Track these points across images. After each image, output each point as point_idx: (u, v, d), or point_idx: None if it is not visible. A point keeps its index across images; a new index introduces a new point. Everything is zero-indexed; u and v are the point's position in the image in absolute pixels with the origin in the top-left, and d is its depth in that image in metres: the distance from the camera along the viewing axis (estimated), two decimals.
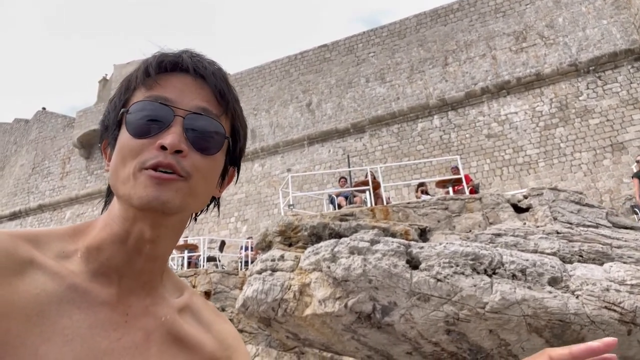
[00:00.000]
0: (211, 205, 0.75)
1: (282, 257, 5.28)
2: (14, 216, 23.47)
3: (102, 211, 0.70)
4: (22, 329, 0.54)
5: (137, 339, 0.62)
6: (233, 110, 0.70)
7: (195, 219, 0.73)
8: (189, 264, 11.18)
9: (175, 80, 0.65)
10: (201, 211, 0.72)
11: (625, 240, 5.02)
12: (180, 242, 13.06)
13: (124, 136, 0.63)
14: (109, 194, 0.70)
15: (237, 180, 0.77)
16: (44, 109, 26.81)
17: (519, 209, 5.89)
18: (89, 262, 0.62)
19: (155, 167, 0.60)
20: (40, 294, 0.56)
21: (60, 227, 0.66)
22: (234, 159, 0.72)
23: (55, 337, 0.55)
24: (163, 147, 0.60)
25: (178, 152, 0.61)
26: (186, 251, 11.47)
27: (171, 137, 0.61)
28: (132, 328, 0.62)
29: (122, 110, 0.64)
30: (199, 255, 11.43)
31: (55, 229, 0.65)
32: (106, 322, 0.60)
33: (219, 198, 0.75)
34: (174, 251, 12.35)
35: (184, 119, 0.63)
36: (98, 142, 0.72)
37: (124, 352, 0.60)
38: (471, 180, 10.42)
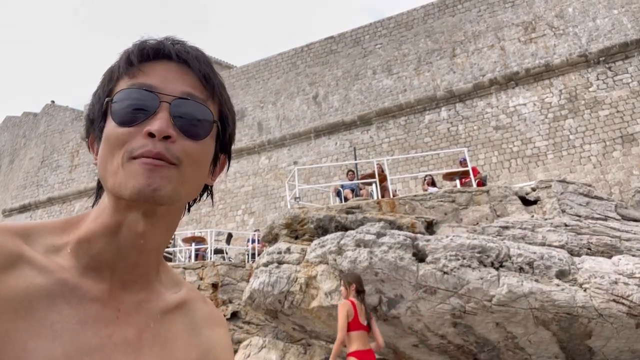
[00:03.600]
0: (209, 194, 0.74)
1: (288, 250, 5.29)
2: (23, 209, 23.71)
3: (92, 205, 0.69)
4: (10, 325, 0.53)
5: (129, 336, 0.61)
6: (220, 95, 0.68)
7: (189, 210, 0.71)
8: (197, 256, 11.24)
9: (158, 67, 0.64)
10: (194, 201, 0.71)
11: (635, 233, 4.97)
12: (188, 234, 13.13)
13: (110, 126, 0.62)
14: (99, 187, 0.68)
15: (228, 169, 0.76)
16: (52, 102, 26.96)
17: (527, 202, 5.85)
18: (79, 256, 0.61)
19: (144, 156, 0.58)
20: (28, 289, 0.56)
21: (52, 220, 0.66)
22: (224, 145, 0.71)
23: (44, 332, 0.55)
24: (151, 134, 0.59)
25: (166, 138, 0.60)
26: (193, 244, 11.54)
27: (159, 122, 0.60)
28: (124, 324, 0.61)
29: (106, 99, 0.63)
30: (206, 248, 11.49)
31: (46, 223, 0.64)
32: (97, 318, 0.59)
33: (211, 187, 0.74)
34: (181, 243, 12.44)
35: (170, 105, 0.62)
36: (85, 137, 0.70)
37: (115, 348, 0.59)
38: (479, 172, 10.36)
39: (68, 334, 0.56)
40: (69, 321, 0.57)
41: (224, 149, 0.71)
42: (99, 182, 0.68)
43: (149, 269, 0.66)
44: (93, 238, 0.62)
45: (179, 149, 0.61)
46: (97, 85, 0.68)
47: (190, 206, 0.71)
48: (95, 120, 0.66)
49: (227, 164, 0.75)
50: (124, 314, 0.62)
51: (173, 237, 12.77)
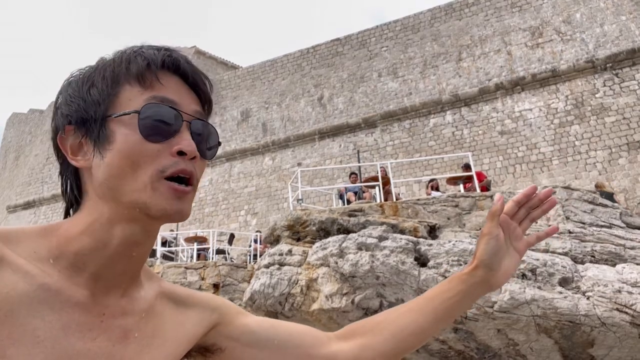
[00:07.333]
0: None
1: (290, 252, 5.28)
2: (27, 205, 23.82)
3: (66, 212, 0.68)
4: None
5: (115, 338, 0.61)
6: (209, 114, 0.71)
7: None
8: (199, 256, 11.25)
9: (171, 81, 0.65)
10: None
11: None
12: (191, 234, 13.13)
13: (132, 138, 0.60)
14: (77, 193, 0.66)
15: None
16: None
17: None
18: (62, 264, 0.61)
19: (177, 175, 0.60)
20: (9, 293, 0.54)
21: (31, 226, 0.64)
22: None
23: (25, 338, 0.54)
24: (180, 153, 0.61)
25: (192, 158, 0.63)
26: (196, 243, 11.55)
27: (188, 143, 0.62)
28: (110, 327, 0.61)
29: (129, 111, 0.61)
30: (208, 248, 11.49)
31: (26, 228, 0.63)
32: (81, 323, 0.58)
33: None
34: (183, 243, 12.44)
35: (190, 124, 0.64)
36: (61, 131, 0.65)
37: (100, 351, 0.59)
38: (485, 177, 10.29)
39: (50, 339, 0.55)
40: (52, 327, 0.56)
41: None
42: (71, 188, 0.66)
43: (133, 275, 0.66)
44: (82, 249, 0.61)
45: (199, 171, 0.64)
46: (86, 81, 0.64)
47: None
48: (90, 121, 0.63)
49: None
50: (108, 317, 0.62)
51: (175, 236, 12.81)
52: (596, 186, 10.21)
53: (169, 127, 0.61)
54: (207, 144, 0.66)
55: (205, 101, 0.68)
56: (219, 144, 0.69)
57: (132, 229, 0.61)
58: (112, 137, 0.61)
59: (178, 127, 0.62)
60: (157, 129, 0.60)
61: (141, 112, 0.60)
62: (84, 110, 0.63)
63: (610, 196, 9.20)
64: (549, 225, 5.22)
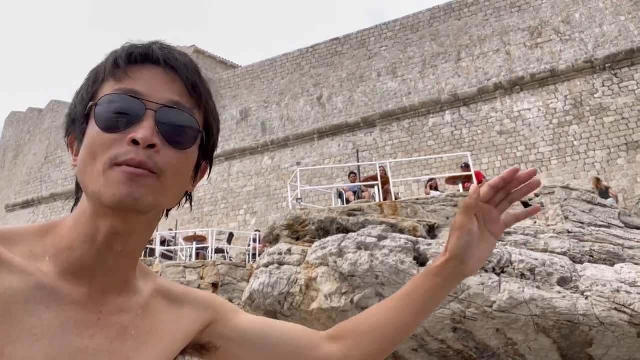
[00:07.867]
0: (187, 200, 0.74)
1: (289, 251, 5.28)
2: (26, 204, 23.78)
3: (72, 209, 0.68)
4: None
5: (112, 335, 0.61)
6: (206, 104, 0.68)
7: (167, 215, 0.71)
8: (197, 255, 11.24)
9: (145, 72, 0.63)
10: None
11: (638, 241, 4.94)
12: (190, 233, 13.12)
13: (93, 130, 0.61)
14: (78, 191, 0.68)
15: (209, 175, 0.76)
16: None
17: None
18: (58, 262, 0.61)
19: (127, 164, 0.58)
20: (5, 293, 0.55)
21: (29, 225, 0.65)
22: (207, 153, 0.71)
23: (23, 336, 0.54)
24: (135, 142, 0.59)
25: (151, 147, 0.59)
26: (195, 242, 11.54)
27: (143, 131, 0.59)
28: (107, 325, 0.61)
29: (90, 103, 0.62)
30: (208, 247, 11.48)
31: (23, 228, 0.64)
32: (78, 321, 0.59)
33: (191, 193, 0.74)
34: (182, 242, 12.43)
35: (156, 113, 0.61)
36: (65, 135, 0.70)
37: (98, 348, 0.59)
38: (484, 177, 10.30)
39: (48, 337, 0.56)
40: (49, 324, 0.56)
41: (206, 156, 0.71)
42: (77, 185, 0.67)
43: (127, 271, 0.66)
44: (73, 244, 0.62)
45: (162, 160, 0.60)
46: (80, 85, 0.67)
47: (168, 211, 0.70)
48: (77, 120, 0.65)
49: (209, 170, 0.75)
50: (105, 315, 0.62)
51: (174, 235, 12.79)
52: (593, 182, 10.45)
53: (125, 117, 0.60)
54: (181, 133, 0.62)
55: (190, 86, 0.64)
56: (200, 132, 0.65)
57: (111, 220, 0.60)
58: (86, 134, 0.63)
59: (139, 117, 0.60)
60: (113, 120, 0.60)
61: (98, 104, 0.61)
62: (74, 112, 0.66)
63: (605, 192, 9.43)
64: (548, 225, 5.23)
